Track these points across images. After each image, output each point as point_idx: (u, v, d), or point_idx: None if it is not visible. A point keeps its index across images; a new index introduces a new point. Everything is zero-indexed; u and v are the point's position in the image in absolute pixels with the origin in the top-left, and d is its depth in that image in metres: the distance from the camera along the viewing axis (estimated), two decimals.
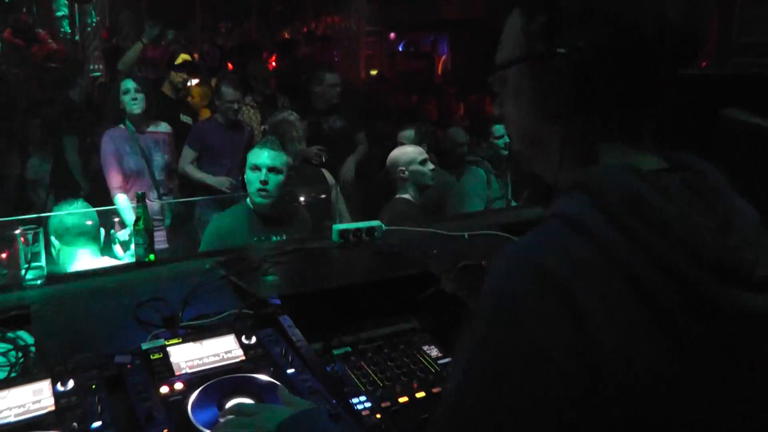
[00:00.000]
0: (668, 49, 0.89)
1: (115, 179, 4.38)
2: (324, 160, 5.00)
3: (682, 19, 0.88)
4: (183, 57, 5.65)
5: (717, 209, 0.86)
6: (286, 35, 12.56)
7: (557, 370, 0.76)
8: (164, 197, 4.47)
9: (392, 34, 14.06)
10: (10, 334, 1.82)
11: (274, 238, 3.23)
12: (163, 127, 4.63)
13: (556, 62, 0.90)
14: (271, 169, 3.29)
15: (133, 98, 4.31)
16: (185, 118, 5.28)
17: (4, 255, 3.07)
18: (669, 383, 0.77)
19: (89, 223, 3.11)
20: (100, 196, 5.03)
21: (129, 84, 4.34)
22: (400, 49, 14.44)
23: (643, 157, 0.93)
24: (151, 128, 4.50)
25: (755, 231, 0.88)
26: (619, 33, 0.88)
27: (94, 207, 5.20)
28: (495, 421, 0.78)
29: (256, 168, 3.29)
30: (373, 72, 12.96)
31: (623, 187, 0.84)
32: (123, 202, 4.33)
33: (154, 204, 4.34)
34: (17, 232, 2.55)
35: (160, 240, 4.19)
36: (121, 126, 4.42)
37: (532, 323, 0.78)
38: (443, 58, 13.90)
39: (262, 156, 3.32)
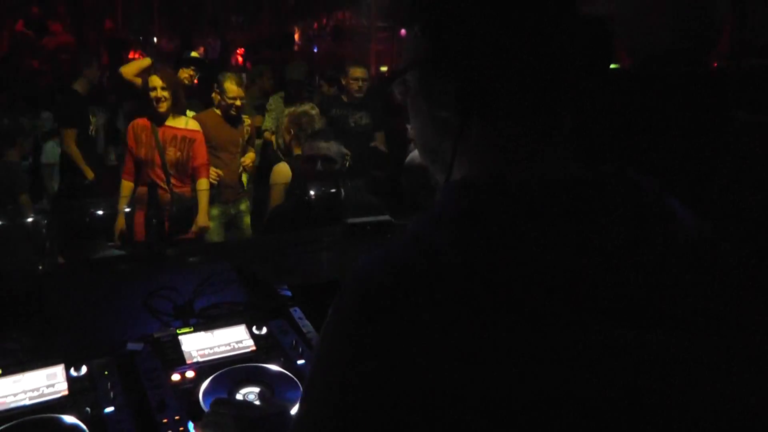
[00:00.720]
0: (551, 54, 0.84)
1: (126, 167, 4.62)
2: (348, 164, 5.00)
3: (573, 23, 0.85)
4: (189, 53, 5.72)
5: (610, 230, 0.78)
6: (296, 30, 12.58)
7: (359, 384, 0.74)
8: (175, 190, 4.53)
9: (403, 30, 14.06)
10: (22, 321, 1.84)
11: None
12: (187, 123, 4.67)
13: (434, 70, 0.87)
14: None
15: (158, 97, 4.43)
16: (191, 114, 5.31)
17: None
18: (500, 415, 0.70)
19: None
20: (106, 183, 5.13)
21: (156, 81, 4.45)
22: None
23: (549, 166, 0.86)
24: (170, 122, 4.56)
25: (673, 259, 0.79)
26: (487, 39, 0.84)
27: (99, 195, 5.32)
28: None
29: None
30: (384, 68, 12.96)
31: (470, 202, 0.80)
32: (123, 188, 4.58)
33: (163, 195, 4.43)
34: (30, 219, 2.58)
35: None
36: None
37: (346, 341, 0.78)
38: None
39: None
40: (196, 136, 4.64)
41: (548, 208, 0.78)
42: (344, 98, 5.52)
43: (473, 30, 0.85)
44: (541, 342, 0.71)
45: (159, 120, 4.51)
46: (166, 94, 4.44)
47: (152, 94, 4.44)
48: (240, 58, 9.78)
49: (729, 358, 0.77)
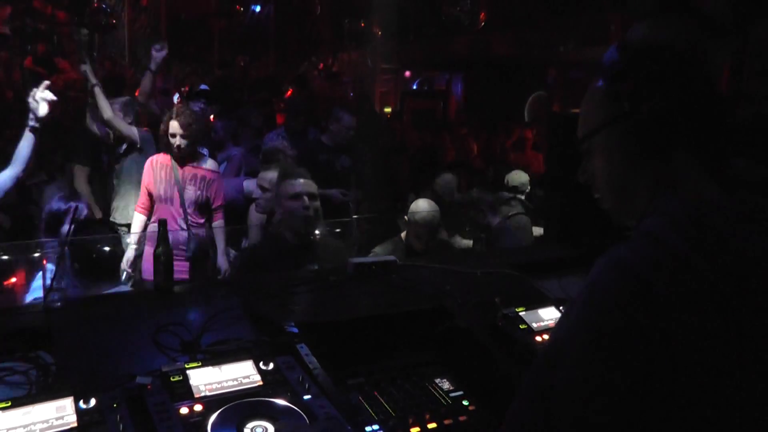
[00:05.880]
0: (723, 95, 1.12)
1: (141, 199, 4.63)
2: (350, 205, 5.13)
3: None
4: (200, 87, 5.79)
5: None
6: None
7: (625, 343, 0.98)
8: (193, 229, 4.54)
9: (407, 72, 14.22)
10: (30, 354, 1.86)
11: None
12: (208, 164, 4.69)
13: (640, 119, 1.15)
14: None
15: (178, 144, 4.48)
16: (203, 150, 5.34)
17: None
18: (720, 359, 0.97)
19: None
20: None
21: (175, 127, 4.47)
22: (414, 87, 14.59)
23: (715, 186, 1.13)
24: (193, 163, 4.59)
25: None
26: (687, 89, 1.14)
27: (106, 235, 5.32)
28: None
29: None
30: (387, 109, 13.09)
31: (685, 212, 1.08)
32: (136, 220, 4.64)
33: (180, 234, 4.42)
34: (38, 254, 2.61)
35: (182, 271, 4.26)
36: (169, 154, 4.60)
37: (610, 305, 1.01)
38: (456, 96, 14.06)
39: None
40: (215, 177, 4.66)
41: (744, 224, 1.07)
42: (324, 142, 5.59)
43: (663, 88, 1.14)
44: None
45: (178, 159, 4.54)
46: (185, 141, 4.46)
47: (171, 139, 4.46)
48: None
49: None
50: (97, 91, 4.99)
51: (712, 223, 1.05)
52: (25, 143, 3.54)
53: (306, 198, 3.38)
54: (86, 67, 5.17)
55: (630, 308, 0.99)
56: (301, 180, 3.46)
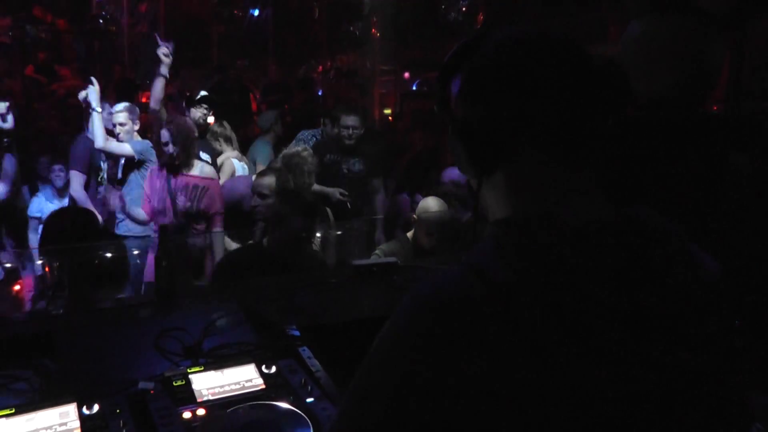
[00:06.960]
0: (567, 107, 0.95)
1: (144, 208, 4.63)
2: (349, 206, 5.11)
3: (577, 78, 0.96)
4: (201, 93, 5.76)
5: (642, 266, 0.89)
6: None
7: (413, 395, 0.84)
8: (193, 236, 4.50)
9: (406, 74, 14.21)
10: (33, 361, 1.87)
11: None
12: (203, 170, 4.59)
13: (454, 130, 1.03)
14: None
15: (169, 152, 4.44)
16: (204, 156, 5.30)
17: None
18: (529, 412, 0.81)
19: None
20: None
21: (165, 135, 4.44)
22: (414, 88, 14.57)
23: (577, 205, 0.96)
24: (186, 171, 4.51)
25: (694, 291, 0.92)
26: (493, 105, 0.97)
27: (106, 242, 5.31)
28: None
29: None
30: (387, 111, 13.07)
31: (517, 235, 0.92)
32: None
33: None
34: (40, 262, 2.62)
35: None
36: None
37: (404, 350, 0.88)
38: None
39: None
40: (209, 184, 4.54)
41: (585, 245, 0.89)
42: (333, 145, 5.51)
43: (470, 105, 1.00)
44: (585, 358, 0.83)
45: (173, 167, 4.48)
46: (176, 148, 4.40)
47: (164, 148, 4.43)
48: (254, 105, 9.88)
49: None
50: (95, 116, 4.85)
51: (550, 249, 0.88)
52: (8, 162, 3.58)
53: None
54: (93, 91, 5.00)
55: (417, 361, 0.85)
56: None
